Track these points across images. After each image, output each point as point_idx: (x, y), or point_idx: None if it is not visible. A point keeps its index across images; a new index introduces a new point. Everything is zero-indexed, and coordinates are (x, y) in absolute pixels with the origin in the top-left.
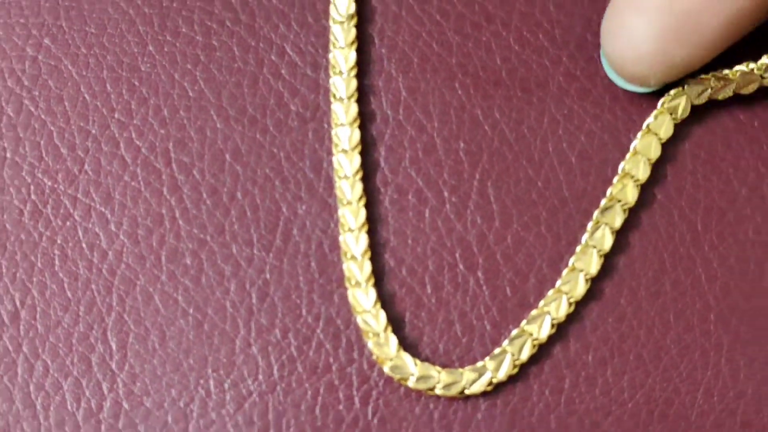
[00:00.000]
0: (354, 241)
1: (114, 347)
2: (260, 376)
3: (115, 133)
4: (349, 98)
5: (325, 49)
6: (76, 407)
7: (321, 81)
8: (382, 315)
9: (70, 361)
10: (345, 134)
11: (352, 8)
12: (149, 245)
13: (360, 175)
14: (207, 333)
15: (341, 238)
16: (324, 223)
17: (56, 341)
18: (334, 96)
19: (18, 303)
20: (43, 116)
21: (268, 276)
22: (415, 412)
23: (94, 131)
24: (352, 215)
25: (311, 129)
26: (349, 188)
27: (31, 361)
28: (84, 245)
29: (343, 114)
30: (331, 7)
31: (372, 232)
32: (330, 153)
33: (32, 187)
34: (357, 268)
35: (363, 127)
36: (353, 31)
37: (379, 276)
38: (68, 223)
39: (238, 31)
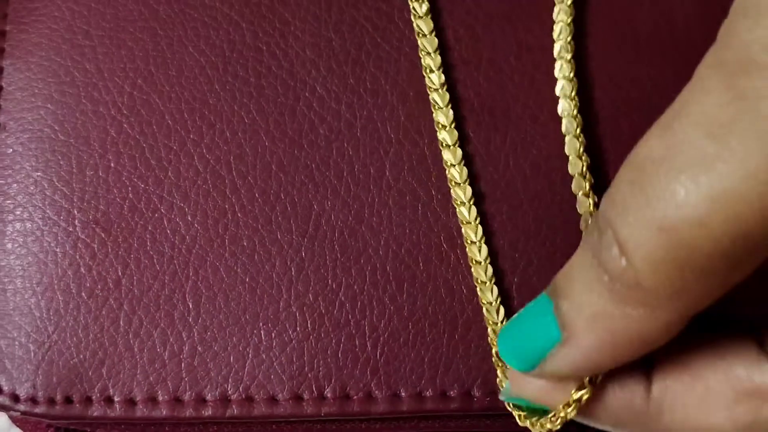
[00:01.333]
0: (477, 251)
1: (191, 306)
2: (298, 328)
3: (191, 149)
4: (459, 164)
5: (346, 88)
6: (163, 349)
7: (342, 112)
8: (502, 309)
9: (159, 316)
10: (456, 172)
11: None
12: (216, 231)
13: (472, 201)
14: (259, 296)
15: (467, 249)
16: (344, 215)
17: (148, 301)
18: (446, 164)
19: (120, 273)
20: (137, 136)
21: (303, 255)
22: (411, 355)
23: (175, 147)
24: (471, 232)
25: (335, 147)
26: (466, 212)
27: (130, 316)
28: (168, 231)
29: (457, 175)
30: (438, 119)
31: (488, 244)
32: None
33: (130, 189)
34: (482, 270)
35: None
36: (456, 132)
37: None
38: (156, 215)
39: (281, 74)
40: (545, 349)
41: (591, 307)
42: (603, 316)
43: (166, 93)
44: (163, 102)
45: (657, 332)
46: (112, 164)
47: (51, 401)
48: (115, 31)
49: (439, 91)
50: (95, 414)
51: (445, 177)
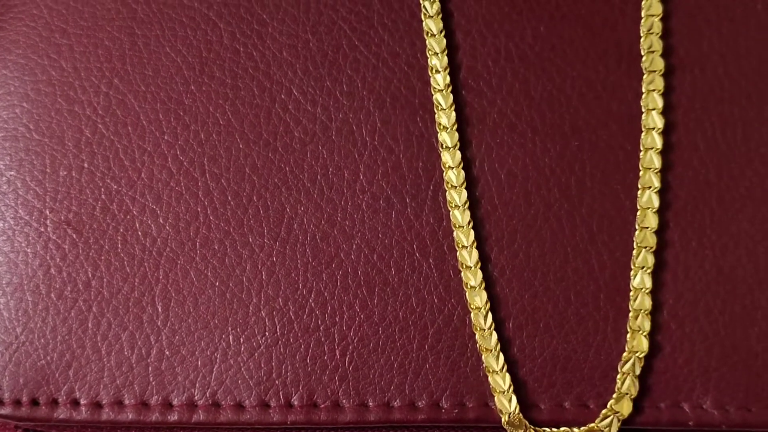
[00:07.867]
0: (468, 255)
1: (160, 309)
2: (266, 333)
3: (164, 150)
4: (457, 167)
5: (322, 90)
6: (131, 353)
7: (318, 114)
8: (490, 316)
9: (128, 319)
10: (453, 174)
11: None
12: (187, 234)
13: (467, 205)
14: (228, 300)
15: (458, 254)
16: (317, 219)
17: (117, 304)
18: (444, 165)
19: (90, 275)
20: (111, 137)
21: (274, 259)
22: (381, 362)
23: (149, 149)
24: (464, 236)
25: (309, 150)
26: (460, 215)
27: (98, 318)
28: (140, 233)
29: (454, 178)
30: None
31: (479, 249)
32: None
33: (102, 189)
34: (472, 275)
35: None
36: (456, 134)
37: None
38: (128, 217)
39: (257, 76)
40: None
41: None
42: None
43: (141, 93)
44: (138, 102)
45: None
46: (86, 165)
47: (17, 403)
48: (92, 30)
49: (443, 92)
50: (61, 416)
51: (420, 185)
